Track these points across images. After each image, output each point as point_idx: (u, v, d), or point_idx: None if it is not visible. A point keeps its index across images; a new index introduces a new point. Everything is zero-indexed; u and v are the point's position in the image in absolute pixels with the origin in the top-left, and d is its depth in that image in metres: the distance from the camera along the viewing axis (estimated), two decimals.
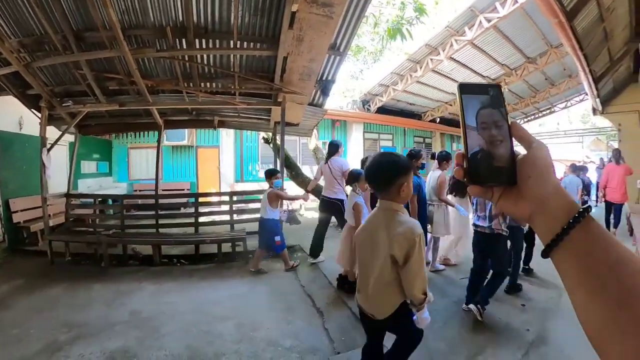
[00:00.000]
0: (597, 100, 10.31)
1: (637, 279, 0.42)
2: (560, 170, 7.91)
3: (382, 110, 15.04)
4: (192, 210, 6.60)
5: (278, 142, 8.53)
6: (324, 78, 6.06)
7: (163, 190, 11.07)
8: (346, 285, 4.29)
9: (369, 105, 14.89)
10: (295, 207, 9.30)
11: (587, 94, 10.67)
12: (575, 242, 0.48)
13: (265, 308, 4.01)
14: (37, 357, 2.97)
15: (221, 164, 12.27)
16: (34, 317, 3.68)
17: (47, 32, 4.46)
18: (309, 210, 10.14)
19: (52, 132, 6.07)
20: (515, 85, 13.99)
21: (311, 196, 6.33)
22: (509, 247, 4.12)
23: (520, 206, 0.55)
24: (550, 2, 4.64)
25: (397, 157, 2.05)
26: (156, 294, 4.39)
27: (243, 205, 6.89)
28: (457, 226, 5.13)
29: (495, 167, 0.55)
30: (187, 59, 5.22)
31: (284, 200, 5.56)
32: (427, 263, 5.07)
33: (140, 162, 12.07)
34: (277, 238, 5.07)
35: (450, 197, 4.97)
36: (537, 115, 21.35)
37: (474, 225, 3.83)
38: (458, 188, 4.75)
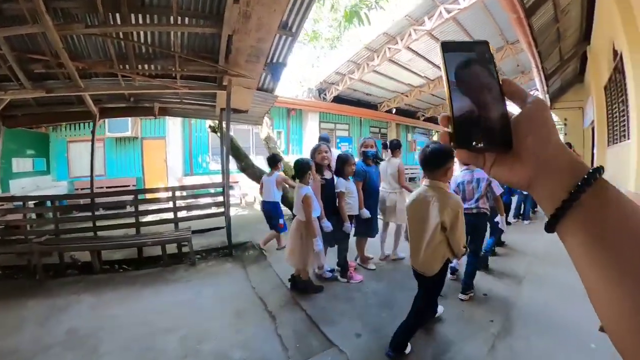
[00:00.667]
0: (547, 96, 11.13)
1: None
2: None
3: (338, 99, 14.84)
4: (136, 209, 5.94)
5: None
6: (274, 60, 5.60)
7: (107, 187, 10.38)
8: (299, 285, 4.01)
9: (325, 94, 14.61)
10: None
11: (537, 90, 11.19)
12: (587, 209, 0.40)
13: (213, 315, 3.64)
14: None
15: (168, 157, 11.39)
16: None
17: None
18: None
19: None
20: None
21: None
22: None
23: (517, 171, 0.48)
24: None
25: (445, 147, 2.49)
26: (96, 307, 3.90)
27: (193, 200, 6.39)
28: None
29: (487, 128, 0.48)
30: (121, 36, 4.58)
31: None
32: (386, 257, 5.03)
33: (82, 157, 10.75)
34: (281, 221, 5.51)
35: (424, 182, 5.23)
36: None
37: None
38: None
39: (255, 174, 8.02)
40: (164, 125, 11.25)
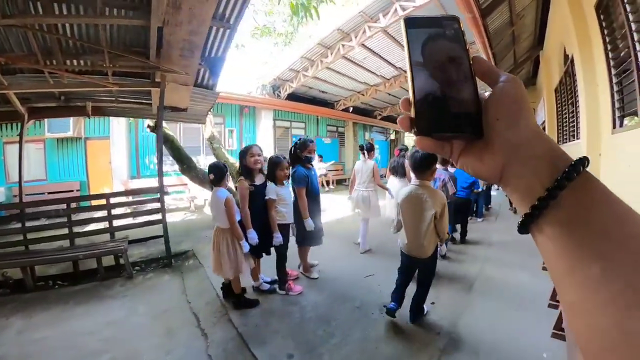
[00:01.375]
0: None
1: None
2: None
3: (293, 97, 14.61)
4: (69, 218, 5.38)
5: (168, 130, 7.67)
6: (212, 55, 5.28)
7: (49, 193, 9.67)
8: (232, 298, 3.81)
9: (280, 91, 14.35)
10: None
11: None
12: (566, 209, 0.34)
13: (144, 334, 3.36)
14: None
15: (113, 158, 10.64)
16: None
17: None
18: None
19: None
20: None
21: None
22: None
23: (487, 161, 0.41)
24: None
25: (431, 153, 3.04)
26: (24, 331, 3.51)
27: (139, 206, 5.97)
28: (390, 207, 6.12)
29: (453, 113, 0.42)
30: (45, 29, 4.17)
31: None
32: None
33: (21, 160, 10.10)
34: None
35: (391, 178, 6.12)
36: None
37: None
38: (395, 169, 6.12)
39: (198, 177, 7.72)
40: (108, 125, 10.56)
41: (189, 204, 10.21)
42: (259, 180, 3.91)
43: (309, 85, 14.10)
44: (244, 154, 3.86)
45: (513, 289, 4.09)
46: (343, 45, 10.68)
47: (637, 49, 2.95)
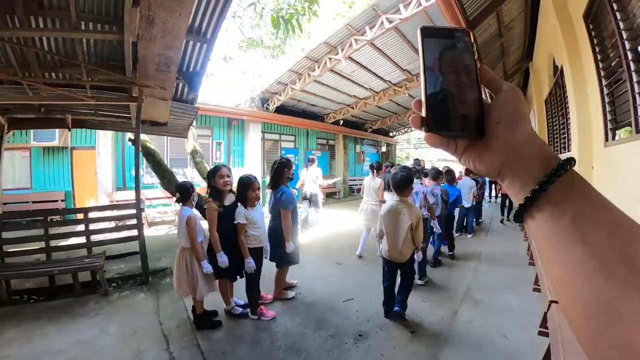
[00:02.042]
0: None
1: None
2: (457, 172, 8.35)
3: (282, 110, 14.57)
4: (46, 232, 5.23)
5: (150, 144, 7.63)
6: (190, 69, 5.28)
7: (33, 202, 9.56)
8: (194, 320, 3.78)
9: (268, 104, 14.33)
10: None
11: None
12: (555, 201, 0.41)
13: (111, 356, 3.28)
14: None
15: (98, 169, 10.43)
16: None
17: None
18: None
19: None
20: (416, 91, 14.25)
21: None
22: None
23: (486, 160, 0.48)
24: (453, 8, 4.74)
25: (408, 175, 3.86)
26: None
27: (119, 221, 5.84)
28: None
29: (460, 114, 0.48)
30: (22, 42, 4.18)
31: None
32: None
33: (7, 169, 9.86)
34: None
35: (386, 194, 6.35)
36: None
37: None
38: (389, 185, 6.33)
39: None
40: (94, 135, 10.39)
41: (175, 217, 10.02)
42: (228, 200, 3.82)
43: (298, 98, 14.08)
44: (213, 174, 3.76)
45: (500, 307, 4.20)
46: (330, 59, 10.72)
47: (629, 57, 2.86)
